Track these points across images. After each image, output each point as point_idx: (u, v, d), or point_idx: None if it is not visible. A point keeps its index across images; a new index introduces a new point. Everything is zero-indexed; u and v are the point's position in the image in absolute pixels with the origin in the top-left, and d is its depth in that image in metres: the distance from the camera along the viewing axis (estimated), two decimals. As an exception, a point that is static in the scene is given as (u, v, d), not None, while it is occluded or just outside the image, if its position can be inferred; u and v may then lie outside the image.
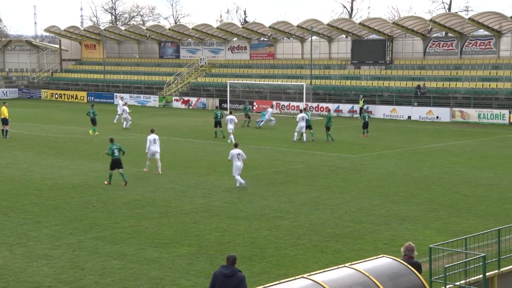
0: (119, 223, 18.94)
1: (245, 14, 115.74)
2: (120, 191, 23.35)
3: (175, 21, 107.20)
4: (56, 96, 73.14)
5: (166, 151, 33.63)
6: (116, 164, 24.26)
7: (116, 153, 24.32)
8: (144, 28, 79.03)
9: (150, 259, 15.62)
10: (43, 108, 60.51)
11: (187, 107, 64.11)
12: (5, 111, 38.22)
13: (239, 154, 24.12)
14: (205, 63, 71.86)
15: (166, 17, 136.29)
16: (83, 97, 71.47)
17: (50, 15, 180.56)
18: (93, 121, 40.71)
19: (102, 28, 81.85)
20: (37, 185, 24.24)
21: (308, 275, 9.86)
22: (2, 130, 38.13)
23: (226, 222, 19.21)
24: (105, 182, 24.53)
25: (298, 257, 15.99)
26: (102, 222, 18.95)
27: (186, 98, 65.36)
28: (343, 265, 10.43)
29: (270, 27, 66.26)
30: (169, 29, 74.96)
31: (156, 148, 26.76)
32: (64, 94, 72.62)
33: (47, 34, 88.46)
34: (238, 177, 24.12)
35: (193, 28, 72.25)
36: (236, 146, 24.80)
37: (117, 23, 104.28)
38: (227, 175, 26.64)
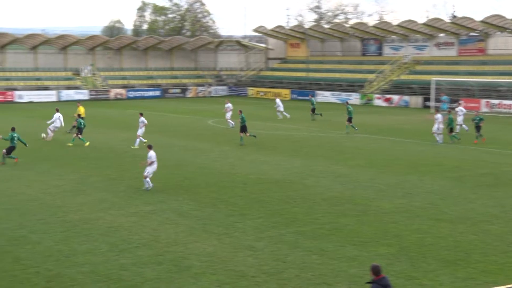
0: (319, 219, 19.19)
1: (453, 8, 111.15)
2: (319, 187, 23.66)
3: (379, 18, 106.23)
4: (262, 93, 76.09)
5: (365, 149, 33.49)
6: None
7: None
8: (347, 26, 79.29)
9: (350, 257, 15.63)
10: (248, 105, 63.24)
11: (388, 105, 63.21)
12: (82, 110, 39.30)
13: None
14: (409, 60, 70.28)
15: (370, 14, 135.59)
16: (287, 94, 73.55)
17: (259, 15, 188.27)
18: (80, 131, 34.88)
19: (307, 27, 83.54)
20: (242, 179, 25.38)
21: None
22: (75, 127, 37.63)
23: (427, 223, 18.62)
24: None
25: (508, 265, 15.01)
26: (303, 217, 19.34)
27: (388, 96, 64.47)
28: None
29: (481, 21, 62.96)
30: (373, 26, 74.41)
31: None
32: (269, 92, 75.29)
33: (255, 34, 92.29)
34: None
35: (397, 25, 71.00)
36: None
37: (322, 21, 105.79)
38: (429, 175, 25.83)
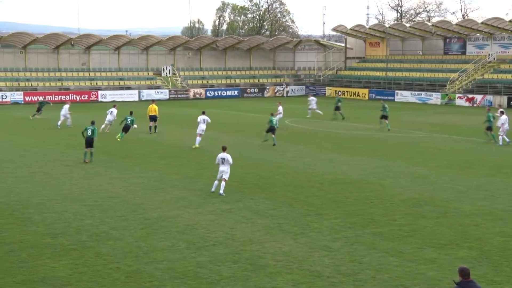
0: (396, 220, 18.87)
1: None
2: (397, 188, 23.25)
3: (462, 15, 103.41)
4: (340, 93, 75.53)
5: (446, 149, 32.65)
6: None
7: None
8: (430, 24, 77.54)
9: (428, 259, 15.28)
10: (326, 105, 62.86)
11: (471, 105, 61.41)
12: (154, 108, 39.65)
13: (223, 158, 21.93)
14: (494, 58, 68.03)
15: (453, 12, 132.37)
16: (365, 94, 72.70)
17: (338, 15, 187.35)
18: (126, 129, 36.37)
19: (387, 25, 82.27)
20: (318, 178, 25.27)
21: None
22: (150, 127, 39.37)
23: (511, 227, 17.96)
24: None
25: None
26: (380, 218, 19.06)
27: (470, 96, 62.64)
28: None
29: None
30: (456, 24, 72.53)
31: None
32: (347, 91, 74.63)
33: (334, 33, 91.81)
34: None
35: (482, 23, 68.91)
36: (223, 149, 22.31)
37: (402, 20, 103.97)
38: (514, 178, 24.93)
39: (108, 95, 69.52)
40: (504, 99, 59.04)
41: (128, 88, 72.31)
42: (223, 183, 22.18)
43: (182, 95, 73.40)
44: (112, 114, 39.96)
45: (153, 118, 39.92)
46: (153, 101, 44.11)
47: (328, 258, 15.44)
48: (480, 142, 35.54)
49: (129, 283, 13.86)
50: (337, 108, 48.71)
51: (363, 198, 21.78)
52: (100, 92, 69.84)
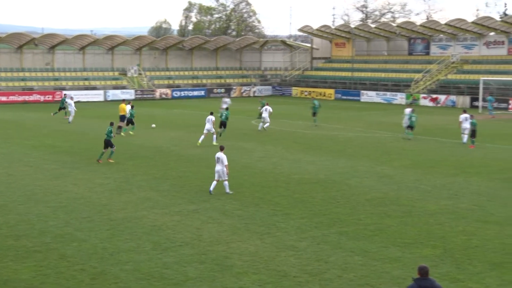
0: (362, 219, 19.04)
1: (505, 6, 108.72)
2: (363, 188, 23.46)
3: (427, 17, 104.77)
4: (306, 93, 75.88)
5: (411, 149, 33.06)
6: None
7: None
8: (394, 25, 78.41)
9: (393, 258, 15.45)
10: (293, 105, 63.19)
11: (435, 105, 62.28)
12: (124, 108, 39.62)
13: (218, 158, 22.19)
14: (457, 59, 69.10)
15: (417, 13, 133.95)
16: (331, 94, 73.17)
17: (305, 15, 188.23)
18: (131, 121, 39.05)
19: (352, 26, 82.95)
20: (285, 178, 25.35)
21: None
22: (120, 127, 38.89)
23: (474, 225, 18.28)
24: None
25: (556, 270, 14.63)
26: (346, 218, 19.20)
27: (434, 96, 63.52)
28: None
29: (533, 19, 61.52)
30: (420, 25, 73.45)
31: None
32: (313, 92, 75.01)
33: (300, 33, 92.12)
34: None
35: (445, 24, 69.92)
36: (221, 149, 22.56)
37: (368, 21, 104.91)
38: (476, 176, 25.36)
39: (73, 95, 68.61)
40: (467, 99, 60.00)
41: (94, 88, 71.55)
42: (225, 183, 22.36)
43: (148, 95, 72.92)
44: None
45: (123, 119, 39.71)
46: (123, 100, 43.80)
47: (295, 257, 15.51)
48: (444, 142, 36.06)
49: (94, 285, 13.72)
50: (314, 114, 48.16)
51: (329, 198, 21.92)
52: (64, 92, 68.93)
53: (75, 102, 48.68)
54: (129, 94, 70.95)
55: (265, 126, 41.21)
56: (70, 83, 72.01)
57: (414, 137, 37.11)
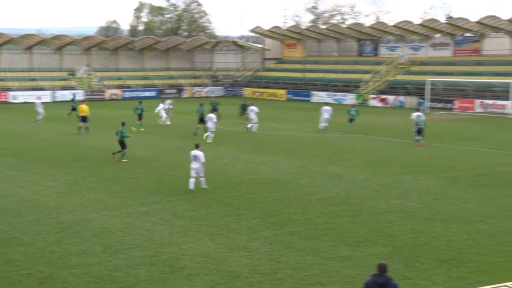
0: (313, 219, 19.18)
1: (450, 9, 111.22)
2: (314, 187, 23.64)
3: (375, 18, 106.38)
4: (258, 94, 76.07)
5: (361, 149, 33.51)
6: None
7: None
8: (344, 26, 79.34)
9: (343, 257, 15.62)
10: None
11: (384, 105, 63.27)
12: (85, 108, 39.80)
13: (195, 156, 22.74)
14: (405, 60, 70.35)
15: (366, 15, 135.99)
16: (283, 95, 73.56)
17: (256, 16, 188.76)
18: (140, 117, 41.66)
19: (303, 27, 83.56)
20: (237, 179, 25.35)
21: None
22: (80, 127, 39.22)
23: (421, 223, 18.63)
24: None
25: (501, 265, 15.03)
26: (297, 218, 19.32)
27: (383, 96, 64.52)
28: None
29: (477, 22, 63.10)
30: (369, 26, 74.49)
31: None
32: (265, 92, 75.27)
33: (252, 34, 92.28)
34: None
35: (393, 25, 71.09)
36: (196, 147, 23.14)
37: (318, 22, 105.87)
38: (424, 175, 25.86)
39: (20, 96, 67.27)
40: (414, 100, 61.10)
41: (41, 89, 70.11)
42: (202, 179, 22.83)
43: (98, 96, 71.92)
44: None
45: (83, 119, 39.52)
46: (82, 101, 43.44)
47: (246, 258, 15.52)
48: (393, 142, 36.66)
49: (42, 290, 13.45)
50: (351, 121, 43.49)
51: (281, 198, 22.02)
52: (11, 93, 67.48)
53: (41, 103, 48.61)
54: (79, 95, 69.68)
55: (249, 125, 41.24)
56: (16, 83, 70.45)
57: (363, 136, 37.61)
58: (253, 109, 41.92)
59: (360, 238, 17.19)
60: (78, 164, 28.58)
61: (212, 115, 37.18)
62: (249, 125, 41.42)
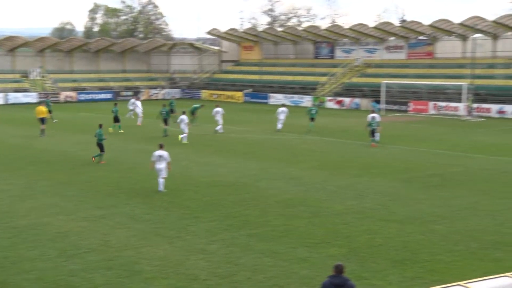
0: (271, 221, 19.26)
1: (403, 13, 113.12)
2: (272, 189, 23.74)
3: (331, 21, 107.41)
4: (215, 96, 75.98)
5: (318, 151, 33.79)
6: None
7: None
8: (300, 29, 79.87)
9: (301, 258, 15.72)
10: (203, 108, 62.92)
11: (340, 108, 63.92)
12: (43, 110, 39.58)
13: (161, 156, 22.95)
14: (360, 63, 71.22)
15: (322, 18, 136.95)
16: (240, 97, 73.64)
17: (212, 18, 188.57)
18: (116, 119, 41.84)
19: (260, 30, 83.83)
20: (195, 181, 25.28)
21: (465, 283, 9.47)
22: (43, 130, 38.80)
23: (377, 224, 18.89)
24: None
25: (454, 264, 15.35)
26: (255, 220, 19.37)
27: (339, 99, 65.18)
28: (503, 275, 9.85)
29: (429, 25, 64.32)
30: (325, 29, 75.17)
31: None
32: (222, 94, 75.24)
33: (209, 36, 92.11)
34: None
35: (349, 28, 71.90)
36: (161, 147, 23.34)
37: (275, 24, 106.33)
38: (379, 177, 26.22)
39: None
40: (370, 102, 61.84)
41: (-6, 91, 68.73)
42: (161, 180, 22.70)
43: (52, 99, 70.71)
44: (137, 105, 45.61)
45: (42, 121, 39.09)
46: (40, 103, 42.80)
47: (205, 261, 15.49)
48: (349, 144, 37.07)
49: (-4, 296, 13.18)
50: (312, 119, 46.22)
51: (239, 200, 22.04)
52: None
53: None
54: (32, 97, 68.62)
55: (218, 127, 41.26)
56: (-32, 85, 68.88)
57: (320, 138, 37.93)
58: (218, 111, 41.94)
59: (317, 239, 17.33)
60: (33, 167, 28.09)
61: (184, 117, 37.30)
62: (217, 127, 41.38)
